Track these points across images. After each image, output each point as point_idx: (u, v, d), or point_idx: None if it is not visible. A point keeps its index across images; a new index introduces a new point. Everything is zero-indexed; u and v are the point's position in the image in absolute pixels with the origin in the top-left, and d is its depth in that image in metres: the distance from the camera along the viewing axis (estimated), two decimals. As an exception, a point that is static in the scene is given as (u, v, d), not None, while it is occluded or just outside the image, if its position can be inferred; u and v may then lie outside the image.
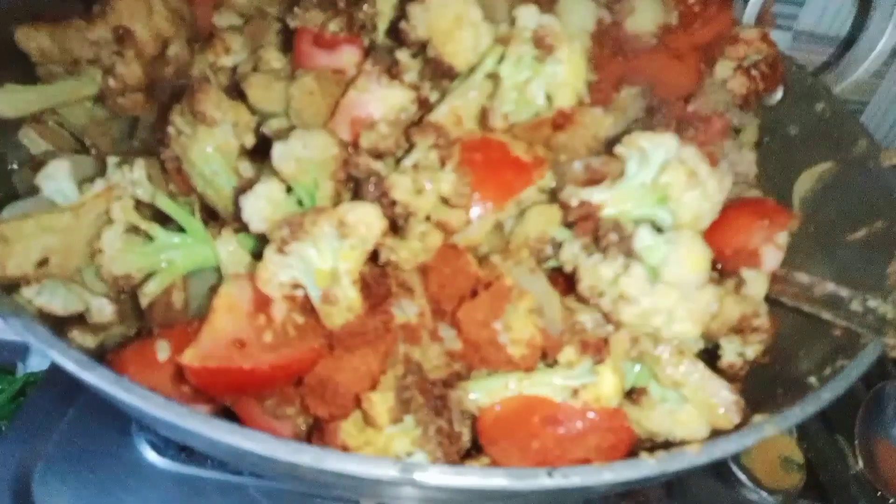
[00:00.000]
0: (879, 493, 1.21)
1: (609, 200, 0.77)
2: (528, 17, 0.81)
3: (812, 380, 0.81)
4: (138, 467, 1.03)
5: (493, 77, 0.81)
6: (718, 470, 1.18)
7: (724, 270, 0.91)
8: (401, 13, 0.87)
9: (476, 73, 0.82)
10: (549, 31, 0.79)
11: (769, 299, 0.94)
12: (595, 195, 0.78)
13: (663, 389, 0.81)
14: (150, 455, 1.03)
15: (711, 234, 0.79)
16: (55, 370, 1.12)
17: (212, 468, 1.02)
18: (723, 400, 0.79)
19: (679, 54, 1.09)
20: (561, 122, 0.81)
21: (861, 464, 1.23)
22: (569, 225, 0.82)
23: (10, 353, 1.25)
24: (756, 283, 0.88)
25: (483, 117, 0.81)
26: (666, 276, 0.73)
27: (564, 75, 0.80)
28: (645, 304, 0.73)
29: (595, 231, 0.77)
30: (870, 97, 1.70)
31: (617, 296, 0.74)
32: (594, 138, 0.84)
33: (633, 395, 0.82)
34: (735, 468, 1.17)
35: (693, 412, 0.79)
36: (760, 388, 0.89)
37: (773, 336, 0.95)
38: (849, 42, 1.29)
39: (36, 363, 1.23)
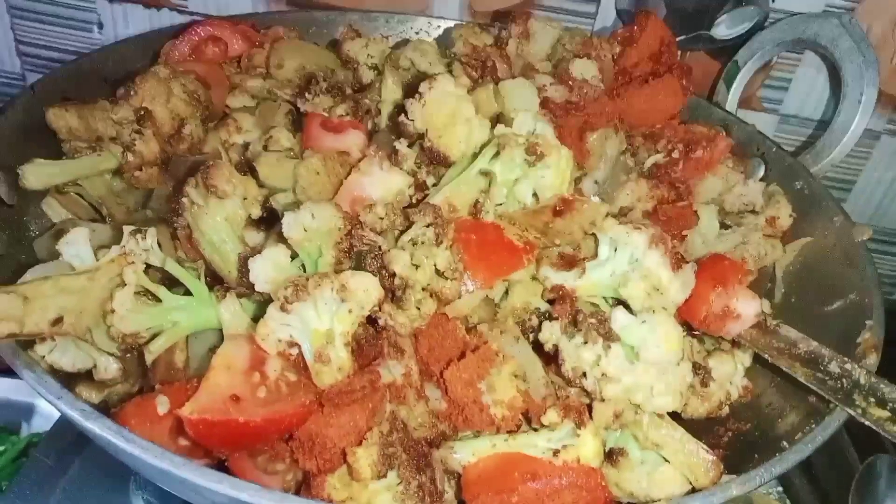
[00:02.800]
0: (873, 566, 1.20)
1: (581, 287, 0.83)
2: (525, 122, 0.90)
3: (785, 444, 0.83)
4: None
5: (487, 174, 0.90)
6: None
7: (707, 333, 0.96)
8: (403, 102, 0.96)
9: (471, 168, 0.91)
10: (542, 140, 0.88)
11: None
12: (568, 280, 0.85)
13: (643, 451, 0.85)
14: (146, 512, 1.06)
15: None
16: (58, 430, 1.16)
17: (206, 528, 1.04)
18: (703, 460, 0.82)
19: (658, 74, 1.19)
20: (561, 208, 0.89)
21: (855, 537, 1.23)
22: (550, 301, 0.89)
23: (16, 413, 1.28)
24: (724, 365, 0.92)
25: (475, 208, 0.89)
26: (644, 355, 0.79)
27: (551, 179, 0.89)
28: (626, 382, 0.79)
29: (573, 313, 0.83)
30: (856, 177, 1.77)
31: (599, 375, 0.79)
32: (591, 224, 0.91)
33: (612, 456, 0.85)
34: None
35: (670, 473, 0.82)
36: (740, 454, 0.92)
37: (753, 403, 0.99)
38: (826, 124, 1.37)
39: (39, 424, 1.27)
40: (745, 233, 1.17)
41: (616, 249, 0.81)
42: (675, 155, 1.16)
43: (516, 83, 1.02)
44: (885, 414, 0.80)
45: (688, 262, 0.83)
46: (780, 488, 1.28)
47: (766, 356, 0.93)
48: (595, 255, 0.84)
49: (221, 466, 0.79)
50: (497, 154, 0.88)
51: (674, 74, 1.22)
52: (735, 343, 1.02)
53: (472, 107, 0.93)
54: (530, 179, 0.88)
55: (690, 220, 1.11)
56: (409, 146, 0.93)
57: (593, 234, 0.88)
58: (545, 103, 1.07)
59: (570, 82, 1.13)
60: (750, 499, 1.25)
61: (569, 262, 0.85)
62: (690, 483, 0.82)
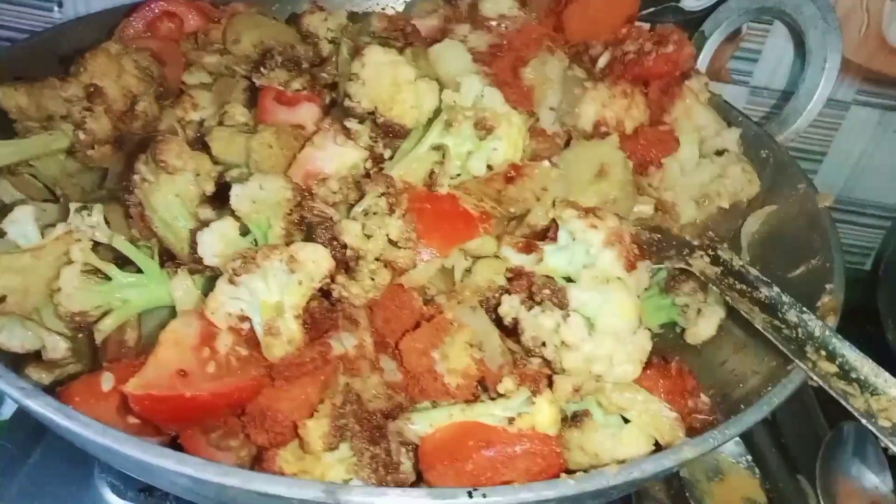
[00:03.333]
0: (841, 531, 1.21)
1: (538, 269, 0.83)
2: (470, 89, 0.89)
3: (743, 407, 0.83)
4: (99, 510, 1.05)
5: (439, 148, 0.88)
6: (681, 511, 1.19)
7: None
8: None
9: (422, 144, 0.89)
10: (490, 112, 0.87)
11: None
12: (527, 263, 0.84)
13: (606, 414, 0.85)
14: (111, 497, 1.04)
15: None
16: (19, 416, 1.15)
17: (171, 509, 1.04)
18: (667, 418, 0.83)
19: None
20: (512, 175, 0.88)
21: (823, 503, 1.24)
22: (508, 280, 0.88)
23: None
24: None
25: (430, 181, 0.88)
26: (601, 326, 0.78)
27: (504, 150, 0.88)
28: (586, 351, 0.78)
29: (529, 287, 0.82)
30: (827, 148, 1.77)
31: (559, 343, 0.78)
32: (543, 190, 0.90)
33: (576, 418, 0.85)
34: (697, 509, 1.18)
35: (635, 432, 0.82)
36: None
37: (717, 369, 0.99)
38: (791, 94, 1.36)
39: (6, 412, 1.25)
40: (723, 164, 1.14)
41: (574, 239, 0.81)
42: (647, 48, 1.13)
43: (443, 46, 1.00)
44: (833, 369, 0.80)
45: (643, 262, 0.82)
46: (749, 456, 1.29)
47: (727, 298, 0.93)
48: (554, 239, 0.83)
49: (175, 444, 0.79)
50: (447, 126, 0.86)
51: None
52: (703, 285, 1.04)
53: (411, 69, 0.91)
54: (483, 152, 0.87)
55: (670, 146, 1.09)
56: (361, 122, 0.91)
57: (551, 206, 0.88)
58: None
59: (488, 24, 1.11)
60: (719, 466, 1.26)
61: (528, 246, 0.84)
62: (656, 441, 0.82)
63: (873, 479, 1.26)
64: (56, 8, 1.61)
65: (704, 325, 1.10)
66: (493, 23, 1.11)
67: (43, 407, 0.64)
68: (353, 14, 1.26)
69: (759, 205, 1.20)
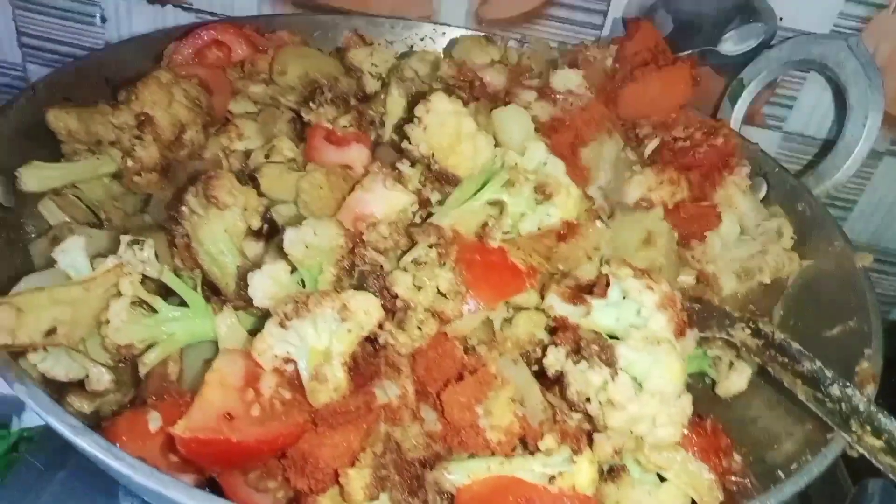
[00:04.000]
0: (863, 592, 1.20)
1: (584, 323, 0.83)
2: (535, 156, 0.91)
3: (780, 473, 0.83)
4: (122, 534, 1.05)
5: (496, 203, 0.89)
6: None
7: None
8: (408, 115, 0.95)
9: (478, 197, 0.90)
10: (551, 180, 0.88)
11: (759, 372, 0.99)
12: (573, 315, 0.84)
13: (643, 471, 0.84)
14: (135, 523, 1.05)
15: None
16: (49, 432, 1.15)
17: (196, 537, 1.03)
18: (706, 479, 0.83)
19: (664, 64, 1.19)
20: (566, 233, 0.89)
21: (845, 561, 1.23)
22: (550, 331, 0.88)
23: (6, 406, 1.26)
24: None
25: (482, 232, 0.89)
26: (648, 386, 0.78)
27: (557, 217, 0.89)
28: (631, 410, 0.78)
29: (576, 340, 0.82)
30: (858, 196, 1.76)
31: (605, 401, 0.78)
32: (595, 250, 0.91)
33: (612, 473, 0.84)
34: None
35: (673, 491, 0.82)
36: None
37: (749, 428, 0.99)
38: (830, 144, 1.36)
39: (30, 419, 1.25)
40: (764, 242, 1.17)
41: (625, 297, 0.81)
42: (697, 137, 1.16)
43: (508, 111, 1.01)
44: (879, 444, 0.79)
45: (691, 330, 0.82)
46: (771, 509, 1.28)
47: (769, 369, 0.93)
48: (604, 294, 0.83)
49: (212, 482, 0.79)
50: (506, 185, 0.87)
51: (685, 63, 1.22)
52: (739, 353, 1.03)
53: (473, 122, 0.92)
54: (536, 215, 0.88)
55: (712, 221, 1.11)
56: (412, 165, 0.92)
57: (601, 265, 0.88)
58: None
59: (554, 96, 1.12)
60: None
61: (576, 297, 0.85)
62: (693, 501, 0.83)
63: (897, 540, 1.25)
64: (99, 22, 1.64)
65: (736, 378, 1.10)
66: (560, 97, 1.12)
67: (92, 446, 0.65)
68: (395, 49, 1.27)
69: (795, 259, 1.20)
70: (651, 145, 1.17)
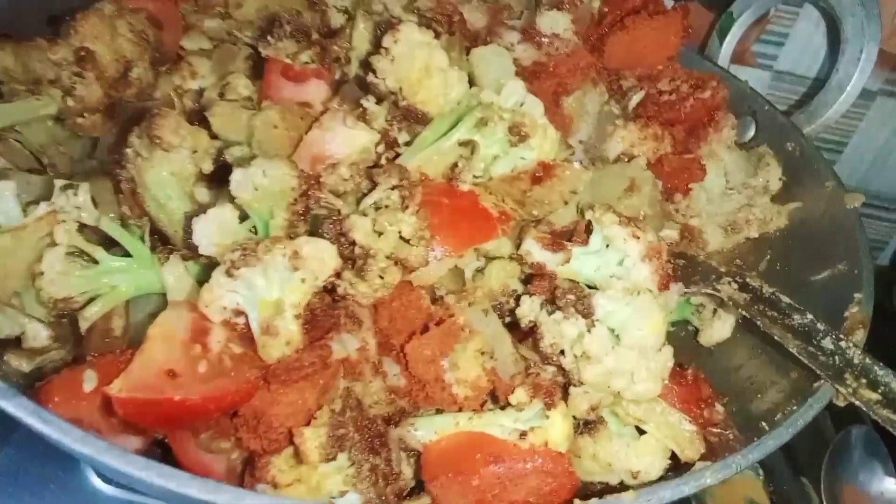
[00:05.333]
0: (844, 538, 1.19)
1: (562, 271, 0.77)
2: (513, 93, 0.83)
3: (763, 425, 0.79)
4: (84, 494, 1.01)
5: (468, 144, 0.82)
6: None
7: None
8: (374, 49, 0.88)
9: (448, 137, 0.83)
10: (528, 120, 0.81)
11: (745, 320, 0.94)
12: (551, 262, 0.79)
13: (621, 423, 0.80)
14: (96, 482, 1.00)
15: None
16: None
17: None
18: (687, 431, 0.79)
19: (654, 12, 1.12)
20: (541, 175, 0.82)
21: (826, 508, 1.21)
22: (525, 280, 0.83)
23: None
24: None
25: (451, 174, 0.82)
26: (626, 339, 0.73)
27: (531, 159, 0.82)
28: (608, 364, 0.73)
29: (552, 290, 0.77)
30: (849, 138, 1.71)
31: (580, 354, 0.74)
32: (571, 193, 0.84)
33: (588, 426, 0.80)
34: (699, 510, 1.15)
35: (652, 442, 0.78)
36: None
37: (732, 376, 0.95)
38: (821, 82, 1.30)
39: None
40: (750, 195, 1.13)
41: (608, 246, 0.75)
42: (684, 90, 1.10)
43: (488, 51, 0.93)
44: (876, 396, 0.76)
45: (675, 284, 0.77)
46: (754, 458, 1.26)
47: (758, 323, 0.88)
48: (585, 242, 0.77)
49: (161, 443, 0.74)
50: (479, 125, 0.80)
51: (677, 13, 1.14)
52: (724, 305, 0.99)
53: (445, 55, 0.85)
54: (510, 158, 0.82)
55: (696, 174, 1.06)
56: (378, 102, 0.84)
57: (581, 212, 0.83)
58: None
59: (538, 39, 1.05)
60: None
61: (555, 243, 0.79)
62: (672, 453, 0.79)
63: (880, 486, 1.23)
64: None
65: (720, 326, 1.06)
66: (545, 40, 1.04)
67: (18, 410, 0.59)
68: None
69: (783, 200, 1.15)
70: (635, 98, 1.10)
